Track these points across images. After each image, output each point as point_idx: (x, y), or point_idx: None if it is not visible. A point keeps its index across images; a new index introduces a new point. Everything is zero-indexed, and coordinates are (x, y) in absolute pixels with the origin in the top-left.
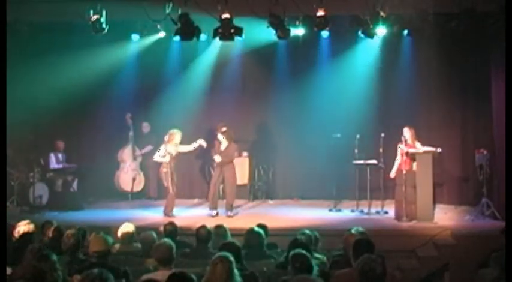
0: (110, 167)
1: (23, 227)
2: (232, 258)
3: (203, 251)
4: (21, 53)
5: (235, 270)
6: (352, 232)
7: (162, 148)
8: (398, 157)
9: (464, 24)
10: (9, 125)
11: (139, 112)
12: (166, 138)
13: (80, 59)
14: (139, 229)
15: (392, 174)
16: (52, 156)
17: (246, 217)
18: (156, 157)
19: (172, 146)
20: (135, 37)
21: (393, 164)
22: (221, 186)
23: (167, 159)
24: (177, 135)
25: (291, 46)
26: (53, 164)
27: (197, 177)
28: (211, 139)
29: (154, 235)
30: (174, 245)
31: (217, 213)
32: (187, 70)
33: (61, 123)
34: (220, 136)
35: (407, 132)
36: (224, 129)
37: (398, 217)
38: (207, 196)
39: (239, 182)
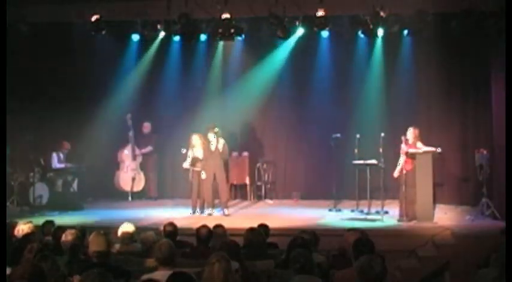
0: (110, 167)
1: (23, 227)
2: (228, 257)
3: (203, 251)
4: (21, 53)
5: (233, 270)
6: (352, 231)
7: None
8: (401, 157)
9: (464, 25)
10: (9, 125)
11: (139, 112)
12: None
13: (79, 59)
14: (139, 229)
15: (395, 174)
16: (55, 156)
17: (246, 217)
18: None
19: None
20: (135, 37)
21: (393, 164)
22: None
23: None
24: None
25: (291, 46)
26: (55, 164)
27: None
28: None
29: (154, 235)
30: (174, 245)
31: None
32: (187, 70)
33: (61, 123)
34: (211, 136)
35: (410, 133)
36: (216, 129)
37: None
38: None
39: (239, 181)
